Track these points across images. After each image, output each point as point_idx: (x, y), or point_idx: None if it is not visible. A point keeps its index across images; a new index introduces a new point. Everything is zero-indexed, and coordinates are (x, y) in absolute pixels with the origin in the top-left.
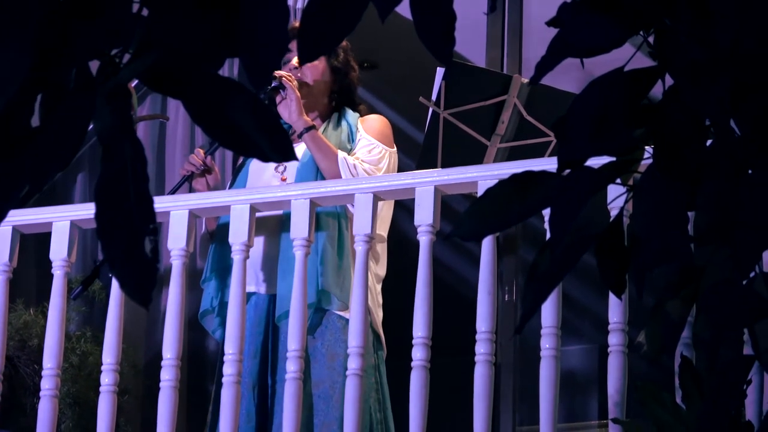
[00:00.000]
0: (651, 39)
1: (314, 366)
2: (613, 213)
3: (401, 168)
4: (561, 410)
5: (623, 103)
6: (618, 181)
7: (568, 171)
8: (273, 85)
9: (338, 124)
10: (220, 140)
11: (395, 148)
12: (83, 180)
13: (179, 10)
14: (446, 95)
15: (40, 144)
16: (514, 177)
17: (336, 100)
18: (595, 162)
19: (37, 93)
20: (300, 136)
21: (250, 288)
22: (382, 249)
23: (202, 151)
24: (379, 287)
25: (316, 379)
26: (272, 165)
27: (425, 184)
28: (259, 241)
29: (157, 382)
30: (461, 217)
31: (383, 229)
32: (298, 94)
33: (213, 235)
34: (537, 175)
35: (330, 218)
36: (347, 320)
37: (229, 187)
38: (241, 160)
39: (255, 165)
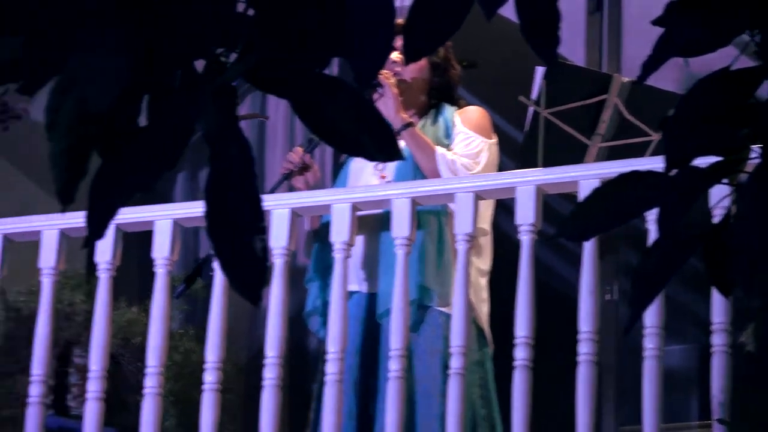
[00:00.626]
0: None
1: (416, 362)
2: (719, 213)
3: (501, 168)
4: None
5: (729, 103)
6: (724, 180)
7: (674, 171)
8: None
9: (435, 120)
10: (326, 139)
11: (495, 138)
12: (183, 179)
13: (284, 10)
14: (547, 94)
15: (147, 143)
16: (621, 177)
17: (434, 97)
18: (702, 162)
19: (144, 93)
20: (398, 133)
21: (352, 287)
22: (485, 242)
23: (300, 149)
24: (483, 281)
25: (418, 376)
26: (372, 163)
27: (526, 184)
28: (360, 239)
29: (259, 381)
30: (566, 217)
31: (486, 223)
32: (396, 92)
33: (316, 234)
34: (643, 175)
35: (430, 215)
36: (448, 316)
37: (332, 186)
38: (343, 158)
39: (356, 163)
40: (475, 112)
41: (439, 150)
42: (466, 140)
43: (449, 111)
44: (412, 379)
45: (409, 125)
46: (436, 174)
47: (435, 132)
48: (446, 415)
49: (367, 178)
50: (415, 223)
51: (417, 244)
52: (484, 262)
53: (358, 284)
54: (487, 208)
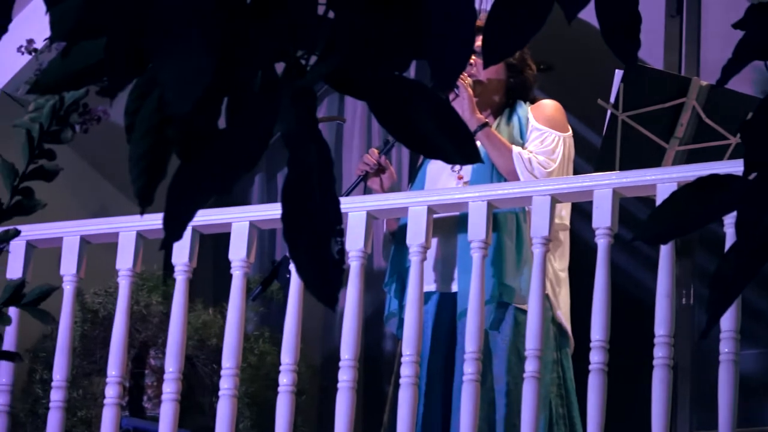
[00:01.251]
0: None
1: (495, 361)
2: None
3: (578, 171)
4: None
5: None
6: None
7: (753, 174)
8: None
9: (510, 118)
10: (405, 142)
11: (570, 131)
12: (260, 181)
13: (364, 12)
14: (625, 97)
15: (226, 146)
16: (699, 180)
17: (510, 97)
18: None
19: (224, 95)
20: (474, 134)
21: (429, 287)
22: (564, 237)
23: (376, 151)
24: (563, 275)
25: (497, 375)
26: (448, 165)
27: (603, 187)
28: (438, 240)
29: (334, 383)
30: (644, 220)
31: (564, 218)
32: (471, 93)
33: (393, 236)
34: (722, 179)
35: (508, 212)
36: (527, 313)
37: (410, 188)
38: (420, 160)
39: (433, 165)
40: (547, 105)
41: (516, 149)
42: (540, 137)
43: (523, 108)
44: (492, 378)
45: (484, 126)
46: (513, 173)
47: (510, 131)
48: (522, 418)
49: (445, 180)
50: (491, 226)
51: (495, 241)
52: (563, 257)
53: (435, 285)
54: (569, 204)
